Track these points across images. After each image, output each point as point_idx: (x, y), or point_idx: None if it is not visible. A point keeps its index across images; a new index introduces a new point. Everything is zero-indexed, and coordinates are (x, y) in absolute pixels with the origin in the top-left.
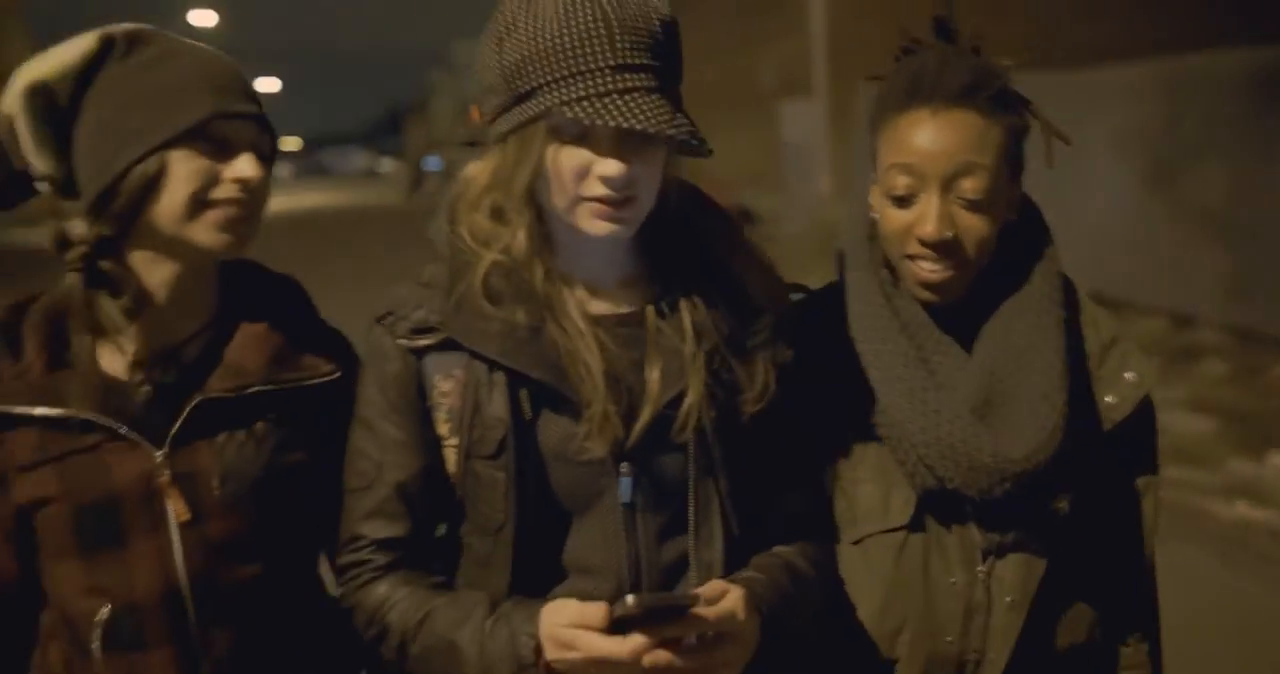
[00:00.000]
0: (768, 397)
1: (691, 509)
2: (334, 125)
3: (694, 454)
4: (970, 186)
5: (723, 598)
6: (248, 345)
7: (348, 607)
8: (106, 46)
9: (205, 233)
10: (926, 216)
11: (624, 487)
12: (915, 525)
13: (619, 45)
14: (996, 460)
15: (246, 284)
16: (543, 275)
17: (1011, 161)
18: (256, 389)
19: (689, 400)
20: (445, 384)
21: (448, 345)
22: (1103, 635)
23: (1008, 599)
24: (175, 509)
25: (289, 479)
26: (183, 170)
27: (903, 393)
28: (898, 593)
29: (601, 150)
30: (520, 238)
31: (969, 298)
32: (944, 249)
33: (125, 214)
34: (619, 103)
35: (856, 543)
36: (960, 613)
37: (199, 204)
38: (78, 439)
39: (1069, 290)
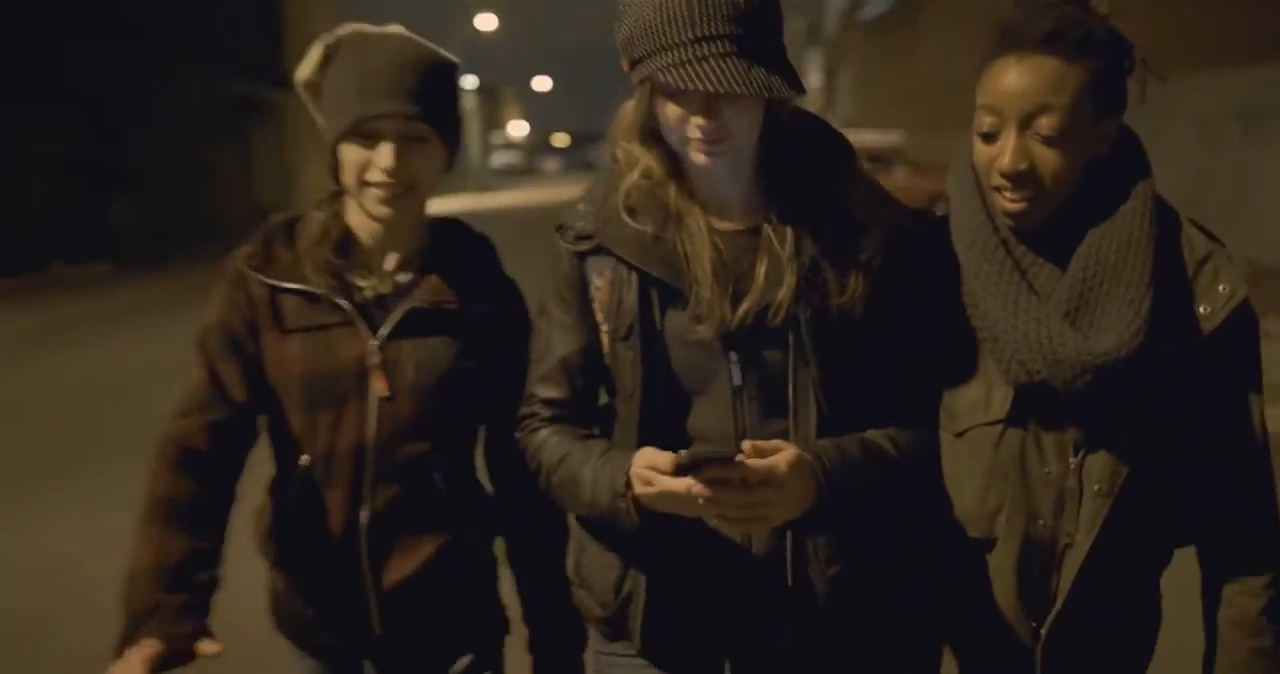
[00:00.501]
0: (856, 299)
1: (791, 394)
2: (601, 123)
3: (792, 347)
4: (1046, 124)
5: (773, 455)
6: (446, 277)
7: (520, 448)
8: (328, 54)
9: (369, 205)
10: (1005, 151)
11: (733, 371)
12: (1013, 420)
13: (698, 20)
14: (1079, 353)
15: (452, 235)
16: (675, 193)
17: (1097, 101)
18: (450, 307)
19: (782, 293)
20: (599, 281)
21: (600, 250)
22: (1187, 535)
23: (1095, 487)
24: (378, 386)
25: (463, 381)
26: (346, 160)
27: (999, 297)
28: (996, 478)
29: (692, 105)
30: (655, 164)
31: (1066, 225)
32: (1020, 180)
33: (337, 181)
34: (698, 69)
35: (960, 435)
36: (1053, 500)
37: (362, 183)
38: (322, 317)
39: (1164, 211)
